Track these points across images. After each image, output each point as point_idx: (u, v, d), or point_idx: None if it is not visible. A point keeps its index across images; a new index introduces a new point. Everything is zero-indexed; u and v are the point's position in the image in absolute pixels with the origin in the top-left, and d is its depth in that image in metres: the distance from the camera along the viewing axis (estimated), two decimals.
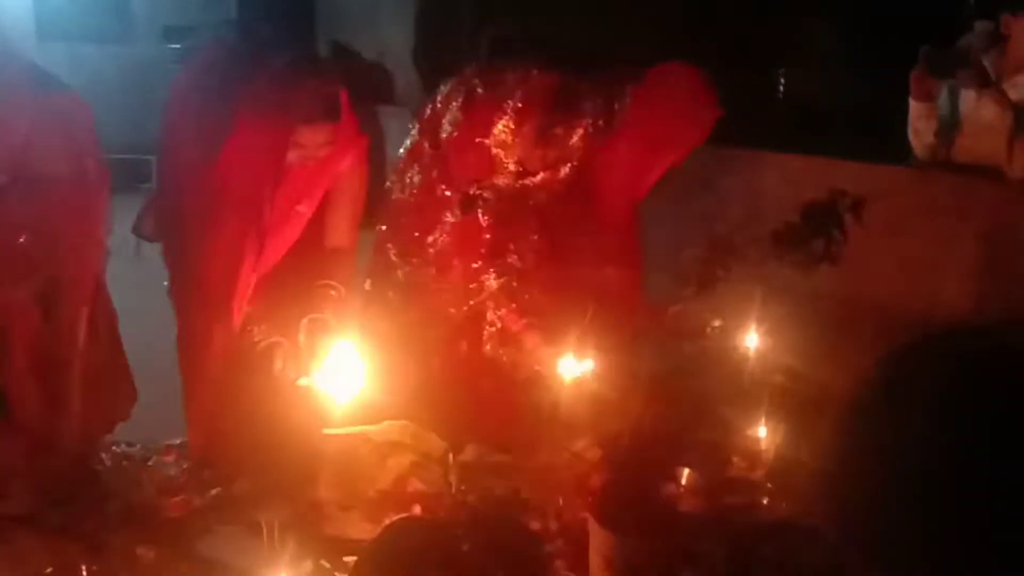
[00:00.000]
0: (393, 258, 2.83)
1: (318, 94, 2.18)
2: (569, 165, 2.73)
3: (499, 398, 2.80)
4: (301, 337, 2.37)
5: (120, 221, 2.59)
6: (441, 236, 2.77)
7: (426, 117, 2.84)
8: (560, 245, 2.84)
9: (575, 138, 2.63)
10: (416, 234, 2.79)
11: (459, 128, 2.68)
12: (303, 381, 2.29)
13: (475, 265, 2.76)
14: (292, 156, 2.23)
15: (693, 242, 3.30)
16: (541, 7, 5.55)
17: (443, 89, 2.83)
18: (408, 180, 2.85)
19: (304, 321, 2.36)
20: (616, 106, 2.99)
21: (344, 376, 2.22)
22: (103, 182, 2.40)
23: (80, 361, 2.37)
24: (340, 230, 2.57)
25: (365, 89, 6.95)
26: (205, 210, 2.28)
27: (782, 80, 5.70)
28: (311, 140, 2.20)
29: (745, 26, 5.40)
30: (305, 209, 2.43)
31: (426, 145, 2.80)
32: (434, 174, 2.77)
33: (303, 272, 2.50)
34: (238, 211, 2.25)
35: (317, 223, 2.55)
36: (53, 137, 2.21)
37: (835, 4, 5.42)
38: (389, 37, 6.87)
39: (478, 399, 2.77)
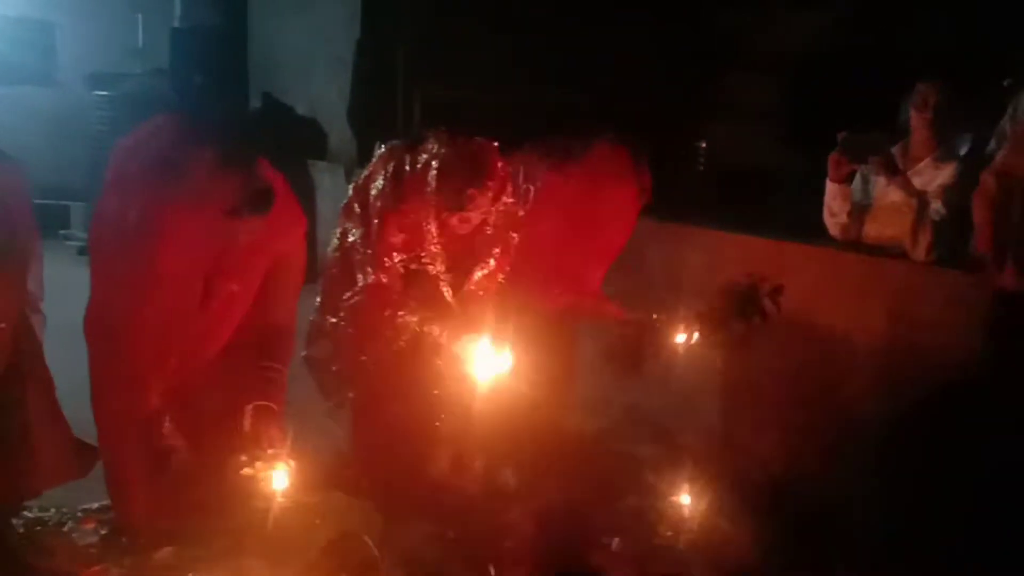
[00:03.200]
0: (321, 314, 2.89)
1: (250, 187, 2.18)
2: (488, 231, 2.82)
3: (428, 461, 2.83)
4: (246, 423, 2.32)
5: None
6: (357, 296, 2.83)
7: (359, 184, 2.91)
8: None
9: (490, 202, 2.70)
10: (337, 291, 2.85)
11: (385, 198, 2.76)
12: (247, 471, 2.24)
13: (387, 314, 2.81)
14: (224, 239, 2.24)
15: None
16: (472, 73, 5.72)
17: (375, 155, 2.92)
18: (338, 239, 2.93)
19: (249, 407, 2.32)
20: (540, 176, 3.15)
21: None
22: (34, 249, 2.36)
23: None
24: (279, 307, 2.55)
25: (297, 143, 6.96)
26: (135, 282, 2.24)
27: (703, 151, 5.95)
28: (242, 227, 2.21)
29: (669, 94, 5.64)
30: (239, 288, 2.39)
31: (356, 208, 2.86)
32: (357, 235, 2.83)
33: (243, 349, 2.46)
34: (167, 287, 2.23)
35: (257, 301, 2.52)
36: None
37: (761, 74, 5.65)
38: (323, 93, 6.91)
39: (407, 464, 2.79)
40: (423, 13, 6.07)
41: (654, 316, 2.92)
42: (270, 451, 2.22)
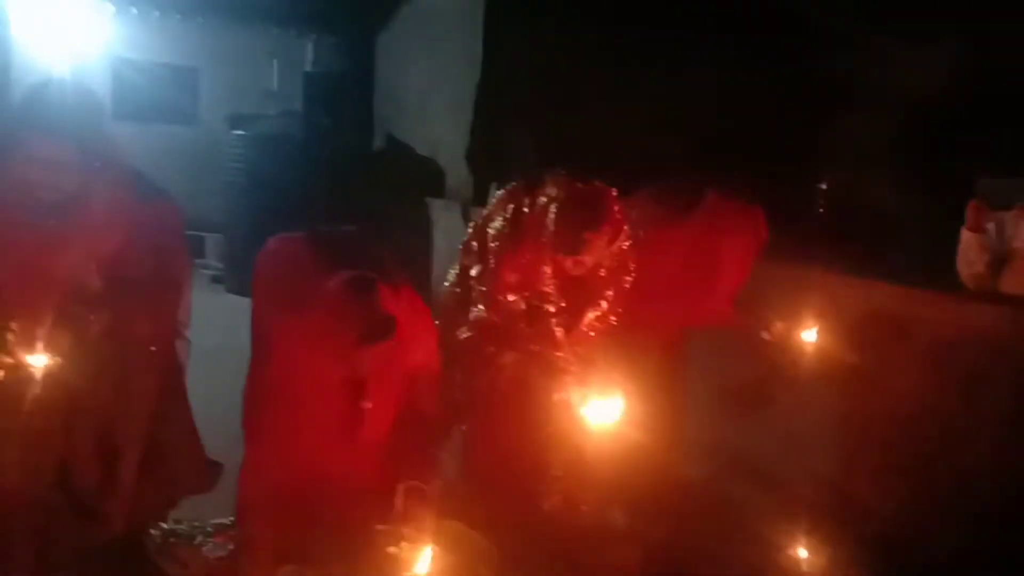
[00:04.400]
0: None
1: (373, 319, 2.27)
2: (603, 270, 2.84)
3: (539, 496, 2.85)
4: (397, 502, 2.38)
5: None
6: (469, 331, 2.89)
7: (478, 224, 3.00)
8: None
9: (605, 246, 2.73)
10: (452, 327, 2.93)
11: (503, 238, 2.83)
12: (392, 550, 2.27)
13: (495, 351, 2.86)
14: (352, 366, 2.34)
15: (740, 362, 3.37)
16: (588, 117, 5.79)
17: (493, 196, 3.00)
18: (456, 275, 3.02)
19: (401, 487, 2.38)
20: (659, 220, 3.16)
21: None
22: (185, 281, 2.54)
23: (142, 443, 2.44)
24: (426, 402, 2.63)
25: (417, 182, 7.22)
26: (270, 397, 2.41)
27: (823, 194, 5.80)
28: (365, 356, 2.31)
29: (790, 136, 5.53)
30: (371, 405, 2.45)
31: (474, 246, 2.94)
32: (475, 273, 2.91)
33: (395, 437, 2.56)
34: (295, 411, 2.36)
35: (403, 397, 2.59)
36: (145, 242, 2.36)
37: (885, 116, 5.47)
38: (442, 134, 7.15)
39: (518, 498, 2.82)
40: (541, 59, 6.21)
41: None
42: (418, 531, 2.26)
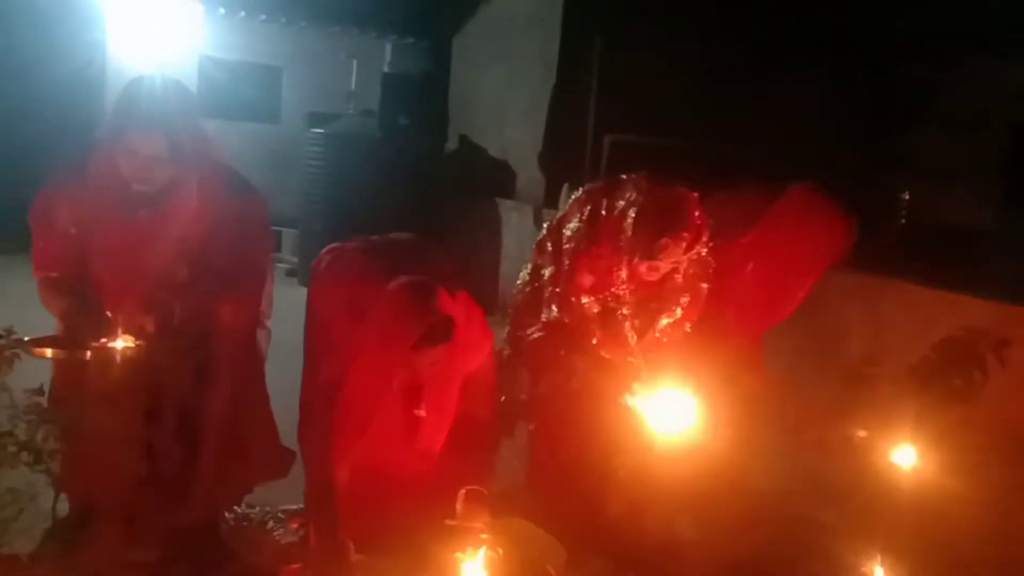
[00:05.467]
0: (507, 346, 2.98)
1: (432, 321, 2.28)
2: (679, 275, 2.80)
3: (605, 500, 2.82)
4: (458, 507, 2.38)
5: None
6: (539, 331, 2.89)
7: (553, 224, 2.99)
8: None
9: (682, 252, 2.69)
10: (523, 325, 2.94)
11: (579, 240, 2.81)
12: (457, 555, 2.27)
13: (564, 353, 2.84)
14: (410, 370, 2.37)
15: (813, 369, 3.27)
16: (661, 121, 5.74)
17: (565, 196, 2.98)
18: (528, 275, 3.01)
19: (461, 493, 2.38)
20: (738, 224, 3.09)
21: None
22: (268, 273, 2.60)
23: (223, 428, 2.51)
24: (482, 407, 2.65)
25: (489, 182, 7.26)
26: (326, 401, 2.43)
27: (907, 204, 5.63)
28: (424, 359, 2.33)
29: (872, 141, 5.37)
30: (425, 414, 2.48)
31: (549, 246, 2.93)
32: (548, 273, 2.90)
33: (452, 440, 2.59)
34: (350, 416, 2.39)
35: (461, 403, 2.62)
36: (232, 233, 2.43)
37: (970, 130, 5.26)
38: (515, 136, 7.18)
39: (584, 501, 2.80)
40: (617, 62, 6.18)
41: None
42: (480, 535, 2.27)
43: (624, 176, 2.85)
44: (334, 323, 2.50)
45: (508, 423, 2.94)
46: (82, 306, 2.29)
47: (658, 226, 2.65)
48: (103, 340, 2.21)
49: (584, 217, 2.84)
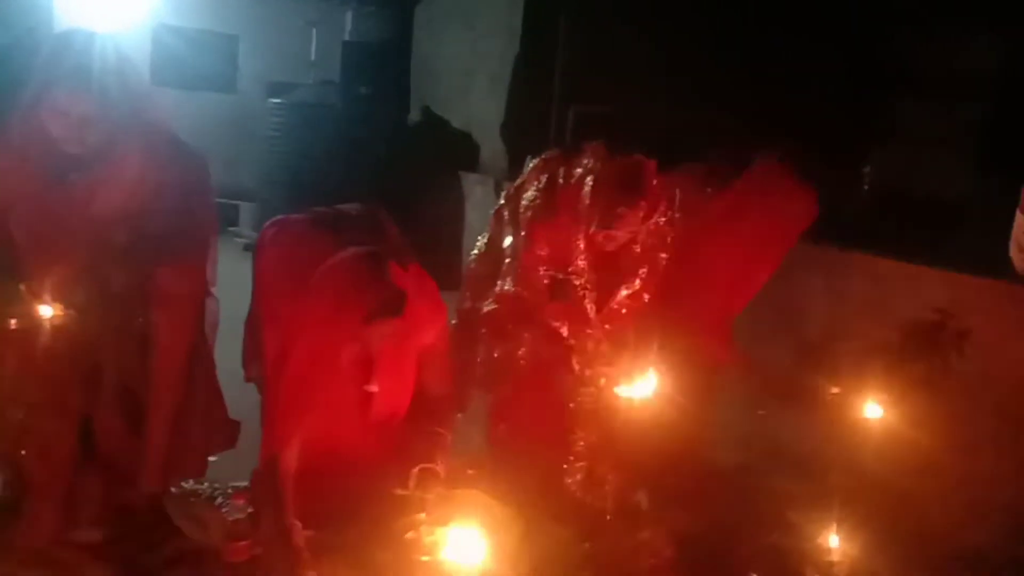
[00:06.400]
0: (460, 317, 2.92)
1: (382, 294, 2.22)
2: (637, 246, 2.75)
3: (562, 471, 2.79)
4: (411, 484, 2.33)
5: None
6: (495, 303, 2.83)
7: (510, 192, 2.92)
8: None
9: (639, 221, 2.64)
10: (478, 295, 2.88)
11: (536, 209, 2.75)
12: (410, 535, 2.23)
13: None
14: (355, 345, 2.28)
15: (774, 342, 3.24)
16: (628, 90, 5.67)
17: (528, 166, 2.91)
18: (484, 244, 2.95)
19: (415, 470, 2.34)
20: (704, 195, 3.04)
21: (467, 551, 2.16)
22: (212, 239, 2.50)
23: (171, 403, 2.41)
24: (436, 382, 2.58)
25: (451, 155, 7.15)
26: (273, 377, 2.37)
27: (868, 171, 5.62)
28: (375, 333, 2.25)
29: (834, 110, 5.35)
30: (377, 389, 2.39)
31: (506, 215, 2.87)
32: (504, 245, 2.84)
33: (407, 416, 2.52)
34: (298, 392, 2.31)
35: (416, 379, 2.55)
36: (172, 198, 2.32)
37: (936, 99, 5.26)
38: (479, 109, 7.08)
39: (542, 471, 2.76)
40: (581, 31, 6.09)
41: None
42: (434, 513, 2.22)
43: (582, 144, 2.80)
44: (279, 296, 2.42)
45: (461, 397, 2.89)
46: None
47: (615, 194, 2.60)
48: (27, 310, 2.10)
49: (541, 186, 2.78)
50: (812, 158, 3.08)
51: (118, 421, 2.42)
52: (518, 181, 2.92)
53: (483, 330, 2.86)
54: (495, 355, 2.86)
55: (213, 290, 2.56)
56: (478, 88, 7.14)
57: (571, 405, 2.78)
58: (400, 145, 7.28)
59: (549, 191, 2.75)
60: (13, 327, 2.10)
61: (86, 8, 7.64)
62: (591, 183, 2.65)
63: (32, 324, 2.11)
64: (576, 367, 2.77)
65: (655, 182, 2.65)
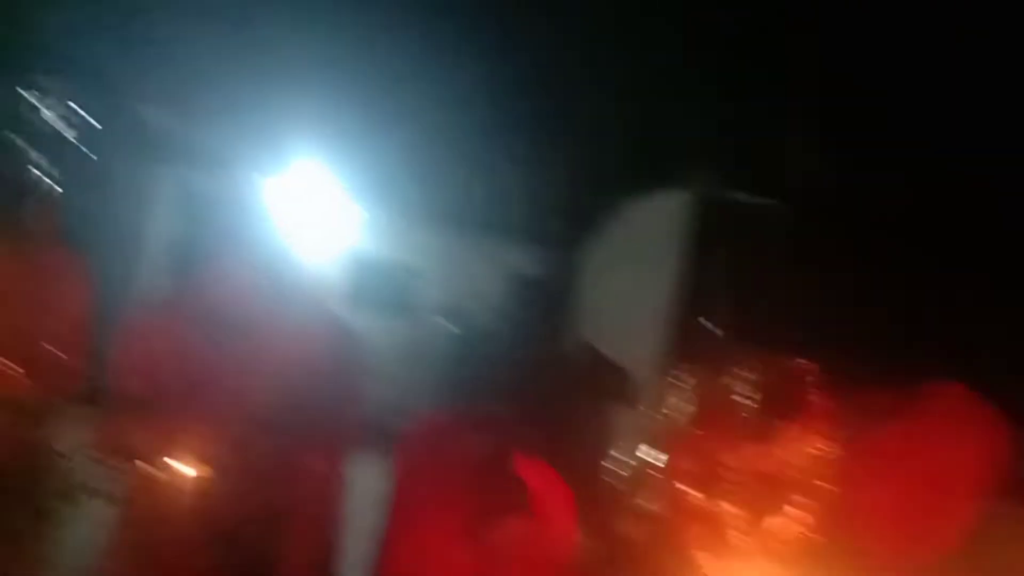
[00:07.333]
0: None
1: (507, 486, 2.19)
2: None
3: None
4: None
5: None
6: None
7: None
8: None
9: (798, 438, 2.44)
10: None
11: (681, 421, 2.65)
12: None
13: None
14: (478, 546, 2.23)
15: None
16: (785, 333, 5.52)
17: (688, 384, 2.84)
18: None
19: None
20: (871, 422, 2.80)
21: None
22: (356, 421, 2.55)
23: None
24: None
25: (602, 389, 7.11)
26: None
27: None
28: (498, 531, 2.20)
29: None
30: None
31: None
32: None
33: None
34: None
35: None
36: (327, 377, 2.44)
37: None
38: (640, 350, 7.13)
39: None
40: (736, 268, 6.14)
41: None
42: None
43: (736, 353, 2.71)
44: (412, 487, 2.37)
45: None
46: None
47: (772, 404, 2.44)
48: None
49: (688, 397, 2.69)
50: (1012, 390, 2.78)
51: None
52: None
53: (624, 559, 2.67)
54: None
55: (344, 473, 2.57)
56: (640, 325, 7.23)
57: None
58: (556, 375, 7.36)
59: (697, 402, 2.65)
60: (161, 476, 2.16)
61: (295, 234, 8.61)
62: (746, 391, 2.51)
63: (173, 479, 2.18)
64: None
65: (819, 394, 2.48)
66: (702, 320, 5.86)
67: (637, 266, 7.52)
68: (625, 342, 7.66)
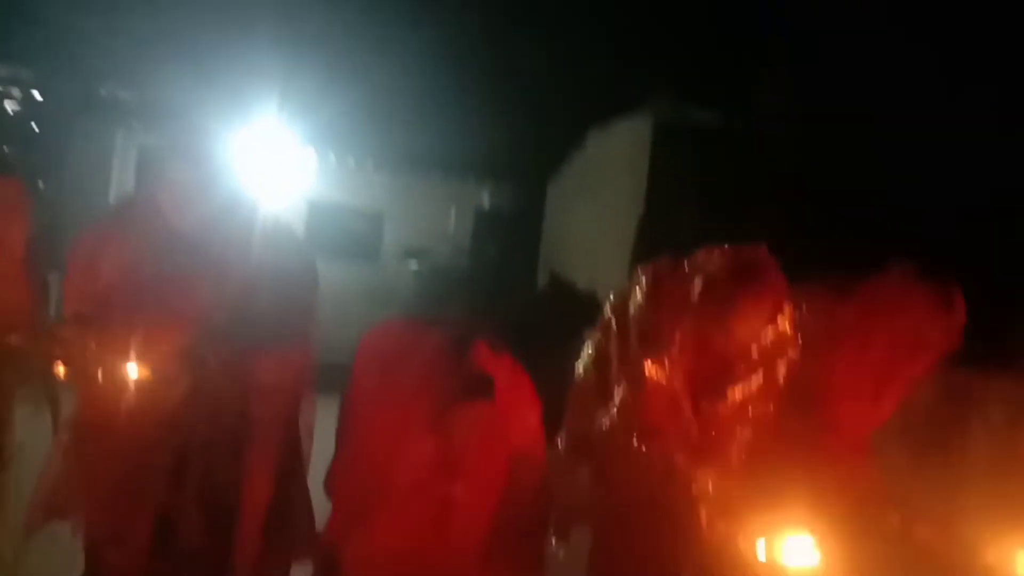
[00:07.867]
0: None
1: (468, 375, 2.11)
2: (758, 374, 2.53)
3: None
4: None
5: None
6: (608, 420, 2.64)
7: (616, 302, 2.81)
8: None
9: (759, 318, 2.43)
10: (584, 410, 2.70)
11: (642, 312, 2.61)
12: None
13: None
14: (436, 438, 2.13)
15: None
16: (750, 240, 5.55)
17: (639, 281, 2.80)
18: (590, 354, 2.81)
19: None
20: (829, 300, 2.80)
21: None
22: (311, 335, 2.48)
23: (263, 502, 2.34)
24: (528, 494, 2.30)
25: (576, 318, 7.14)
26: (358, 482, 2.26)
27: None
28: (458, 421, 2.11)
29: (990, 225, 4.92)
30: (464, 490, 2.17)
31: (613, 324, 2.74)
32: (612, 352, 2.69)
33: (493, 533, 2.27)
34: (382, 499, 2.18)
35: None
36: (276, 286, 2.36)
37: None
38: (609, 275, 7.18)
39: None
40: (699, 187, 6.17)
41: None
42: None
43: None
44: (372, 392, 2.30)
45: (563, 528, 2.66)
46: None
47: (730, 287, 2.42)
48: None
49: (650, 287, 2.65)
50: (959, 271, 2.79)
51: (201, 517, 2.36)
52: (624, 289, 2.81)
53: (593, 453, 2.66)
54: (606, 486, 2.64)
55: (311, 395, 2.52)
56: (604, 252, 7.26)
57: (684, 535, 2.49)
58: (526, 307, 7.40)
59: (658, 289, 2.61)
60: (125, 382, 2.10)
61: (250, 181, 8.47)
62: (706, 276, 2.48)
63: (118, 379, 2.13)
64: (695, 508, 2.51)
65: (774, 273, 2.46)
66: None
67: (601, 194, 7.51)
68: (592, 269, 7.70)
